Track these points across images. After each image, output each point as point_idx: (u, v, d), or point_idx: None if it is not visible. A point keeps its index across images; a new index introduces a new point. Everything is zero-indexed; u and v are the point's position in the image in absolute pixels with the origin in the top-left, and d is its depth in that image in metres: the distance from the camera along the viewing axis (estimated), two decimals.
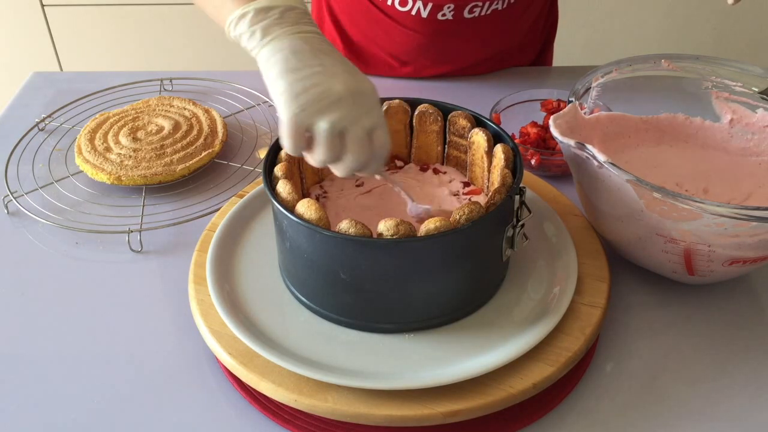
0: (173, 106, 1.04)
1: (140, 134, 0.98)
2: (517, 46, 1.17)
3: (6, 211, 0.90)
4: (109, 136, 0.98)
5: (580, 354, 0.66)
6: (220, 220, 0.80)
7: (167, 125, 0.99)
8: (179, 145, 0.96)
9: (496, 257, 0.69)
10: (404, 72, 1.16)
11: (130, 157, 0.94)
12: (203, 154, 0.95)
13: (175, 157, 0.94)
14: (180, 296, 0.77)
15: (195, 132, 0.98)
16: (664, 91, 0.86)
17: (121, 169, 0.92)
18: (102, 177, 0.92)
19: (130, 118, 1.02)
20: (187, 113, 1.02)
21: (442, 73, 1.16)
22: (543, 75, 1.20)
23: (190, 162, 0.93)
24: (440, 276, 0.66)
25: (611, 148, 0.83)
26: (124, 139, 0.97)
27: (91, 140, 0.97)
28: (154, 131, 0.98)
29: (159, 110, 1.03)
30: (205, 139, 0.97)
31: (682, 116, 0.85)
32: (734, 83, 0.82)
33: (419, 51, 1.12)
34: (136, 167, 0.93)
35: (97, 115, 1.03)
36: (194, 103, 1.04)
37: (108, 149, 0.96)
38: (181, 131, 0.98)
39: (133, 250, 0.84)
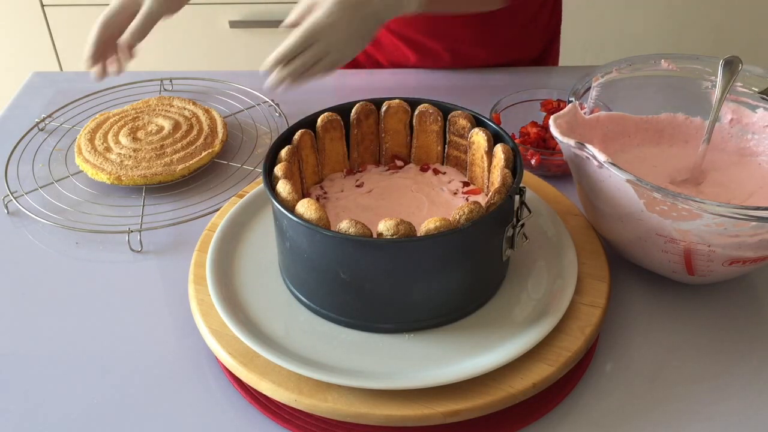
0: (173, 106, 1.04)
1: (140, 134, 0.98)
2: (519, 36, 1.16)
3: (6, 210, 0.90)
4: (109, 136, 0.98)
5: (580, 354, 0.66)
6: (220, 220, 0.80)
7: (167, 125, 0.99)
8: (179, 144, 0.96)
9: (496, 257, 0.69)
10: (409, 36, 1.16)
11: (130, 157, 0.94)
12: (203, 154, 0.95)
13: (175, 156, 0.94)
14: (180, 296, 0.77)
15: (195, 132, 0.98)
16: (664, 91, 0.86)
17: (121, 169, 0.92)
18: (102, 177, 0.92)
19: (130, 118, 1.01)
20: (187, 113, 1.02)
21: (442, 52, 1.16)
22: (543, 75, 1.20)
23: (190, 162, 0.93)
24: (440, 276, 0.66)
25: (611, 148, 0.83)
26: (124, 139, 0.97)
27: (91, 140, 0.97)
28: (154, 131, 0.98)
29: (159, 110, 1.03)
30: (205, 139, 0.97)
31: (682, 116, 0.85)
32: (734, 83, 0.82)
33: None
34: (136, 167, 0.93)
35: (97, 115, 1.03)
36: (194, 103, 1.04)
37: (108, 149, 0.96)
38: (181, 131, 0.98)
39: (133, 250, 0.84)
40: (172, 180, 0.93)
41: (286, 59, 0.80)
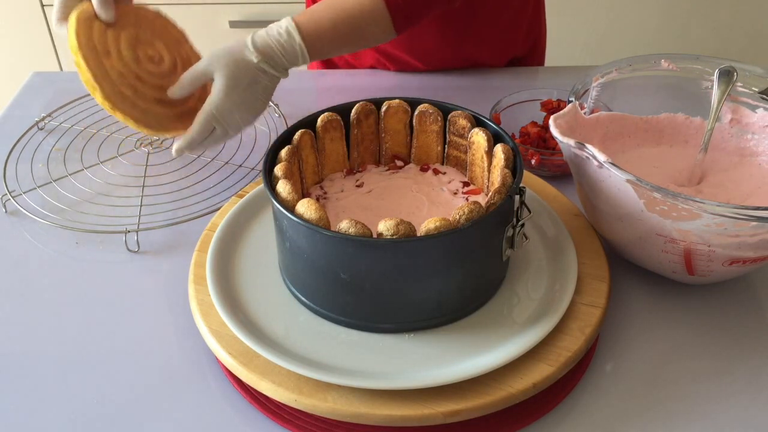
0: (172, 35, 0.90)
1: (140, 52, 0.84)
2: (492, 41, 1.17)
3: (4, 210, 0.90)
4: (109, 35, 0.82)
5: (580, 354, 0.66)
6: (220, 220, 0.80)
7: (167, 60, 0.86)
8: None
9: (496, 257, 0.69)
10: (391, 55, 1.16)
11: (130, 86, 0.81)
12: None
13: (173, 111, 0.84)
14: (180, 296, 0.77)
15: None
16: (664, 91, 0.86)
17: (117, 96, 0.80)
18: (96, 94, 0.79)
19: (131, 20, 0.85)
20: (184, 54, 0.89)
21: (416, 62, 1.16)
22: (543, 75, 1.20)
23: (188, 123, 0.83)
24: (440, 276, 0.66)
25: (611, 148, 0.83)
26: (125, 50, 0.83)
27: (90, 26, 0.81)
28: (155, 59, 0.85)
29: (161, 32, 0.89)
30: (199, 100, 0.86)
31: (682, 116, 0.85)
32: (730, 91, 0.82)
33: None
34: (133, 105, 0.81)
35: None
36: (191, 48, 0.91)
37: (107, 53, 0.81)
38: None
39: (129, 251, 0.84)
40: (164, 136, 0.85)
41: (192, 147, 0.84)
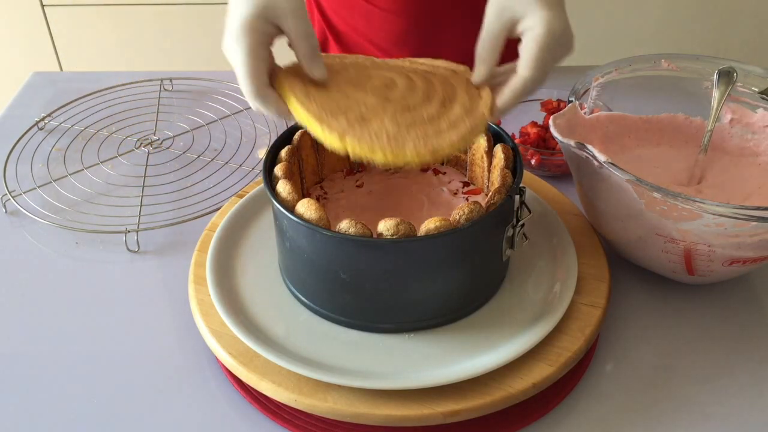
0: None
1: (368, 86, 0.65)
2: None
3: (4, 210, 0.90)
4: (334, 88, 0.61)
5: (580, 354, 0.66)
6: (220, 220, 0.80)
7: (401, 82, 0.65)
8: (433, 107, 0.63)
9: (496, 257, 0.69)
10: None
11: (364, 119, 0.59)
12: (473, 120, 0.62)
13: (441, 124, 0.61)
14: (180, 296, 0.77)
15: (439, 88, 0.65)
16: (664, 91, 0.86)
17: (381, 139, 0.57)
18: (376, 154, 0.56)
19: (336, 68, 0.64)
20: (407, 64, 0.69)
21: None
22: None
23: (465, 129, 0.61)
24: (440, 276, 0.66)
25: (611, 148, 0.83)
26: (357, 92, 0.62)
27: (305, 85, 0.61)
28: (389, 83, 0.64)
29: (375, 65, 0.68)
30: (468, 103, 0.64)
31: (682, 116, 0.85)
32: (730, 92, 0.82)
33: (398, 38, 1.11)
34: (403, 136, 0.57)
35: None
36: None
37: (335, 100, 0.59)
38: (419, 89, 0.65)
39: (130, 251, 0.84)
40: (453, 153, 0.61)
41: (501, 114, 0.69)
